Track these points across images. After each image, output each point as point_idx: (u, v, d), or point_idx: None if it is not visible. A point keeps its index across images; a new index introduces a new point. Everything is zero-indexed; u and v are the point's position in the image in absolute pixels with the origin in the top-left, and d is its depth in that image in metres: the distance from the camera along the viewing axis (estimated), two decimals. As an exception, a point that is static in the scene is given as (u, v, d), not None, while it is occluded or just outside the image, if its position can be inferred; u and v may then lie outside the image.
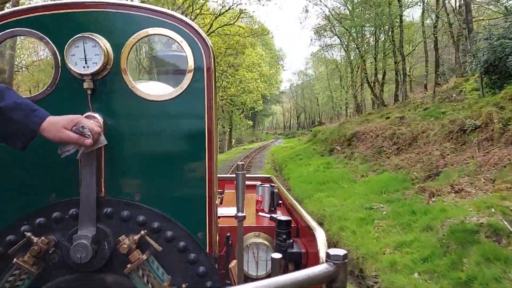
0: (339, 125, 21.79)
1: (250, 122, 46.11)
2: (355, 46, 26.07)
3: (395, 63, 21.81)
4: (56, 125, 1.18)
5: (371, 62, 25.63)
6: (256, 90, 33.20)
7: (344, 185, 9.97)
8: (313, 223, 1.60)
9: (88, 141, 1.22)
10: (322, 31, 31.34)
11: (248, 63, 30.89)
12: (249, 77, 30.57)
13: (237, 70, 29.67)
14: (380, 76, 24.59)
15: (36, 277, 1.34)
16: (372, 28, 24.00)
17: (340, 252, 0.85)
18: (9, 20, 1.43)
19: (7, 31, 1.42)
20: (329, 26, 29.25)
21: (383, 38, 23.32)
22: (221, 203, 2.53)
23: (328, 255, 0.85)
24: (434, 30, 19.34)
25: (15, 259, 1.31)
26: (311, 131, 52.85)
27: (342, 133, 16.72)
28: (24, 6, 1.51)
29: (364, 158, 12.60)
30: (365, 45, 25.67)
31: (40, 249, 1.31)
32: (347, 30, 26.31)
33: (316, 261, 1.37)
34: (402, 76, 20.87)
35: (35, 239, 1.32)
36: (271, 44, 52.50)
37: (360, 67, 27.79)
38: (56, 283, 1.35)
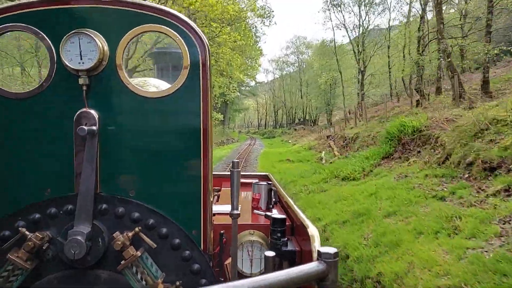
0: None
1: (221, 116, 31.85)
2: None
3: None
4: None
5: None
6: (232, 58, 19.13)
7: None
8: (307, 221, 1.61)
9: None
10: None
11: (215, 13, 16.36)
12: (217, 30, 16.40)
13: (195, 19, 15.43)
14: None
15: (29, 273, 1.34)
16: None
17: (331, 250, 0.86)
18: (5, 15, 1.42)
19: (1, 26, 1.42)
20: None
21: None
22: (217, 200, 2.55)
23: (319, 253, 0.87)
24: None
25: (8, 254, 1.30)
26: (349, 123, 39.37)
27: None
28: (20, 2, 1.47)
29: None
30: None
31: (34, 244, 1.31)
32: None
33: (310, 260, 1.35)
34: None
35: (29, 235, 1.32)
36: None
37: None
38: (49, 279, 1.37)
